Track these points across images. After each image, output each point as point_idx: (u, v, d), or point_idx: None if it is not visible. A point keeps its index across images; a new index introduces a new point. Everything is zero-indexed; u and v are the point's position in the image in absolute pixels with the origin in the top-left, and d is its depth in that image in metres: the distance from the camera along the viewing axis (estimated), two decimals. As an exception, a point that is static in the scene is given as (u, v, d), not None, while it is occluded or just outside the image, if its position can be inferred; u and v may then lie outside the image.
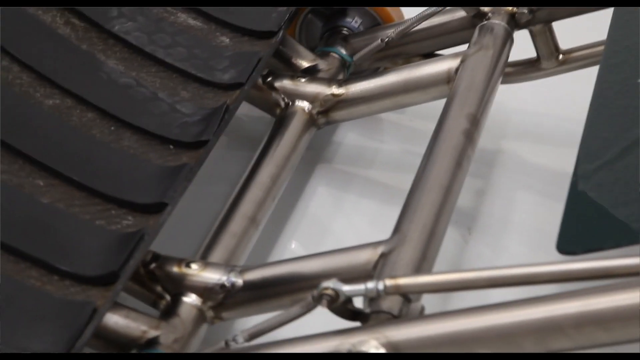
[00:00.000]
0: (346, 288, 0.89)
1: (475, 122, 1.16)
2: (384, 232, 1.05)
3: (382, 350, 0.87)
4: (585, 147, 1.00)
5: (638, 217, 0.89)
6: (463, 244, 1.28)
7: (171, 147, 1.13)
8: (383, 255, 1.00)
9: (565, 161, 1.28)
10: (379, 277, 0.91)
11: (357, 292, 0.90)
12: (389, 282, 0.90)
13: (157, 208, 1.05)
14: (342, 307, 0.90)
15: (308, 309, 0.90)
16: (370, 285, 0.89)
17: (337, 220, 1.31)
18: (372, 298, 0.91)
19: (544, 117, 1.46)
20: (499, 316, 0.86)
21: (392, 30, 1.33)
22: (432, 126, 1.17)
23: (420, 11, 1.29)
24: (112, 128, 1.13)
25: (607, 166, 0.96)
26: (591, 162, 0.98)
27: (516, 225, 1.31)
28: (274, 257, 1.24)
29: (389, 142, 1.42)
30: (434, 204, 1.05)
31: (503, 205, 1.34)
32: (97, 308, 0.95)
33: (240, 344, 0.93)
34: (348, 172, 1.38)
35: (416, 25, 1.31)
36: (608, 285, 0.83)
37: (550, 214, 1.30)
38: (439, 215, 1.04)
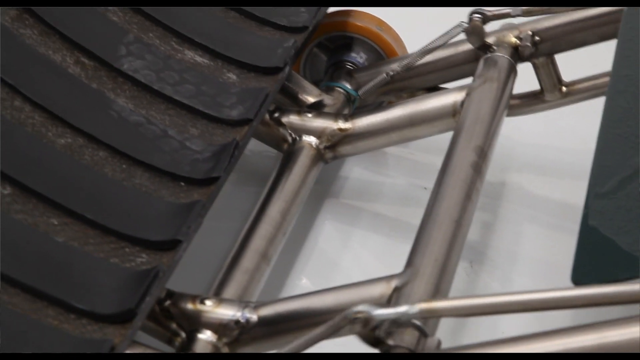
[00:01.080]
0: (378, 312, 0.90)
1: (482, 154, 1.17)
2: (391, 265, 1.05)
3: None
4: (593, 178, 1.01)
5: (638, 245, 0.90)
6: (467, 277, 1.29)
7: (182, 184, 1.14)
8: (397, 289, 1.01)
9: (570, 193, 1.29)
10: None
11: (389, 315, 0.91)
12: (423, 305, 0.90)
13: (170, 245, 1.06)
14: (369, 332, 0.91)
15: (335, 330, 0.91)
16: (402, 309, 0.90)
17: (345, 255, 1.32)
18: (389, 332, 0.92)
19: (547, 149, 1.47)
20: (514, 349, 0.86)
21: (396, 64, 1.34)
22: (435, 159, 1.18)
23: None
24: (124, 166, 1.13)
25: (608, 195, 0.97)
26: (598, 192, 0.98)
27: (523, 257, 1.32)
28: (284, 292, 1.25)
29: (394, 175, 1.43)
30: (445, 237, 1.06)
31: (509, 237, 1.34)
32: (114, 346, 0.96)
33: None
34: (355, 207, 1.38)
35: (420, 59, 1.33)
36: (625, 319, 0.83)
37: (556, 246, 1.32)
38: (451, 248, 1.05)
